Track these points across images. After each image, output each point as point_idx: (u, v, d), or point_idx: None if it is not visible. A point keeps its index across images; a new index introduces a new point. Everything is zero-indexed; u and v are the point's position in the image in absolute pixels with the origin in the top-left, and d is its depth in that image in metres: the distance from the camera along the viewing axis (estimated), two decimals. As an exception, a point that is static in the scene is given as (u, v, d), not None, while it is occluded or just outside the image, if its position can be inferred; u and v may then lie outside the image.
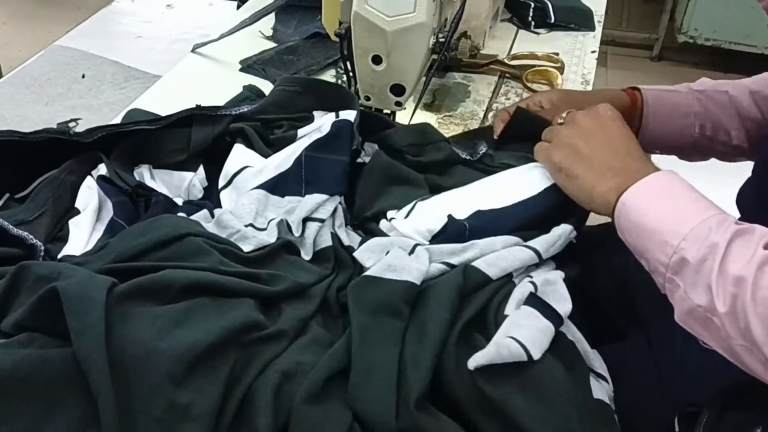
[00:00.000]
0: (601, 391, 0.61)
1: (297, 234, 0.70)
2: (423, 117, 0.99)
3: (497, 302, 0.62)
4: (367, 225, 0.74)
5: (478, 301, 0.61)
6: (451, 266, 0.65)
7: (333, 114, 0.80)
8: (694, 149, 0.92)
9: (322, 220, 0.72)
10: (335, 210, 0.73)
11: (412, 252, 0.65)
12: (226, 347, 0.54)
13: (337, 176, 0.74)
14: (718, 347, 0.57)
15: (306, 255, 0.70)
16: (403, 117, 0.91)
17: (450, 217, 0.70)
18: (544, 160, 0.72)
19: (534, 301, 0.61)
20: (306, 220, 0.71)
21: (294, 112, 0.84)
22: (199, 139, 0.79)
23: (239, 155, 0.78)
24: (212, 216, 0.72)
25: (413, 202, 0.73)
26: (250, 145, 0.80)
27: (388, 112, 0.88)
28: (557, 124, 0.75)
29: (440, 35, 0.82)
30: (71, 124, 0.77)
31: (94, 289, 0.51)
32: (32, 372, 0.48)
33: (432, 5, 0.77)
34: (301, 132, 0.80)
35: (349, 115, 0.78)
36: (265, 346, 0.57)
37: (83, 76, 1.16)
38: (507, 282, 0.64)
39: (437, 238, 0.69)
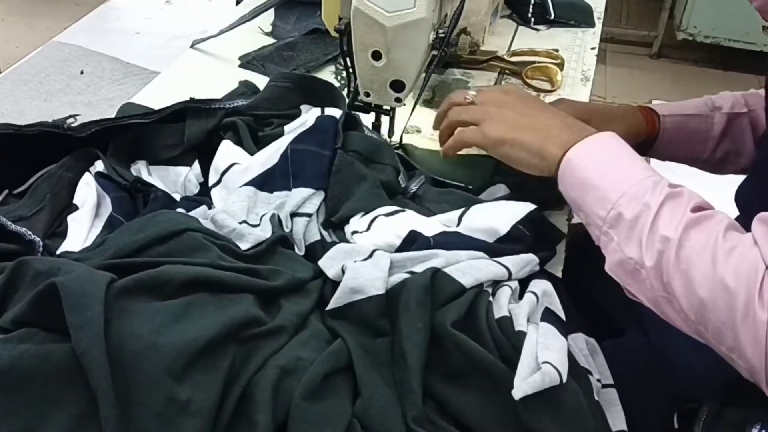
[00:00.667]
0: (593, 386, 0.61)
1: (287, 229, 0.70)
2: (422, 113, 0.99)
3: (483, 308, 0.61)
4: (335, 230, 0.74)
5: (457, 308, 0.60)
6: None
7: (318, 110, 0.80)
8: (701, 166, 0.95)
9: (309, 215, 0.72)
10: (320, 205, 0.73)
11: (370, 257, 0.64)
12: (226, 343, 0.54)
13: (322, 170, 0.74)
14: (642, 297, 0.62)
15: (299, 251, 0.70)
16: (402, 113, 0.90)
17: (413, 231, 0.69)
18: (480, 139, 0.72)
19: (550, 317, 0.61)
20: (293, 215, 0.72)
21: (285, 109, 0.84)
22: (193, 132, 0.79)
23: (226, 152, 0.78)
24: (211, 212, 0.72)
25: (373, 215, 0.72)
26: (239, 140, 0.80)
27: (388, 108, 0.88)
28: (464, 103, 0.76)
29: (440, 31, 0.82)
30: (69, 120, 0.77)
31: (93, 284, 0.51)
32: (31, 368, 0.47)
33: (432, 1, 0.77)
34: (287, 129, 0.81)
35: (335, 112, 0.79)
36: (264, 341, 0.57)
37: (82, 72, 1.16)
38: (481, 290, 0.63)
39: (400, 251, 0.68)
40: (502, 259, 0.66)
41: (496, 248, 0.68)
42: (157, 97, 0.98)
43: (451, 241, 0.68)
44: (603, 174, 0.64)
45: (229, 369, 0.53)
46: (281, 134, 0.80)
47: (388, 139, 0.91)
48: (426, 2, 0.76)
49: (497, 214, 0.70)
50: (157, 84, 1.05)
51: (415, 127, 0.97)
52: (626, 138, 0.84)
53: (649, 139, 0.88)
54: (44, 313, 0.51)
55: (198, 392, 0.50)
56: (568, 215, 0.82)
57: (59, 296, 0.49)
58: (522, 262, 0.67)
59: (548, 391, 0.54)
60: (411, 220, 0.71)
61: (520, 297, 0.65)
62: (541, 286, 0.65)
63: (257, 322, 0.57)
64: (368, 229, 0.71)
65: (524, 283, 0.67)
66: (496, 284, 0.65)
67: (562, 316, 0.63)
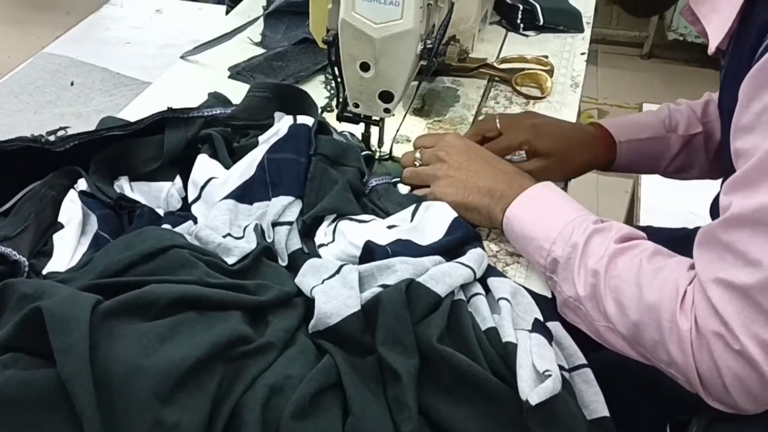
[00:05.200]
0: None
1: (269, 240, 0.71)
2: (413, 122, 0.99)
3: (467, 319, 0.61)
4: (307, 241, 0.74)
5: (438, 321, 0.60)
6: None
7: (290, 117, 0.81)
8: (654, 173, 1.00)
9: (290, 223, 0.72)
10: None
11: (338, 272, 0.65)
12: (213, 362, 0.54)
13: (299, 178, 0.75)
14: (588, 330, 0.67)
15: (282, 260, 0.70)
16: (392, 123, 0.90)
17: (369, 242, 0.69)
18: (437, 199, 0.77)
19: (539, 327, 0.62)
20: (274, 225, 0.72)
21: (263, 119, 0.85)
22: (171, 142, 0.79)
23: (203, 166, 0.78)
24: (197, 228, 0.71)
25: (336, 221, 0.74)
26: (214, 152, 0.80)
27: (377, 119, 0.87)
28: (415, 163, 0.82)
29: (428, 41, 0.82)
30: (60, 133, 0.76)
31: (77, 307, 0.51)
32: (16, 393, 0.47)
33: (419, 12, 0.76)
34: (261, 139, 0.81)
35: (307, 120, 0.80)
36: (252, 359, 0.56)
37: (72, 84, 1.15)
38: (456, 300, 0.64)
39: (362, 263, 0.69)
40: (463, 259, 0.67)
41: (447, 245, 0.70)
42: (149, 108, 0.97)
43: (407, 248, 0.69)
44: (535, 225, 0.70)
45: (217, 389, 0.53)
46: (255, 144, 0.80)
47: (378, 150, 0.91)
48: (413, 13, 0.76)
49: (443, 208, 0.75)
50: (148, 95, 1.04)
51: (405, 136, 0.96)
52: (585, 167, 0.90)
53: (607, 163, 0.93)
54: (29, 337, 0.50)
55: (186, 414, 0.50)
56: None
57: (44, 320, 0.49)
58: (478, 257, 0.68)
59: (544, 403, 0.54)
60: (366, 230, 0.72)
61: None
62: (505, 288, 0.66)
63: (245, 340, 0.57)
64: (333, 239, 0.73)
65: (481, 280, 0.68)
66: (466, 292, 0.66)
67: (534, 311, 0.64)
